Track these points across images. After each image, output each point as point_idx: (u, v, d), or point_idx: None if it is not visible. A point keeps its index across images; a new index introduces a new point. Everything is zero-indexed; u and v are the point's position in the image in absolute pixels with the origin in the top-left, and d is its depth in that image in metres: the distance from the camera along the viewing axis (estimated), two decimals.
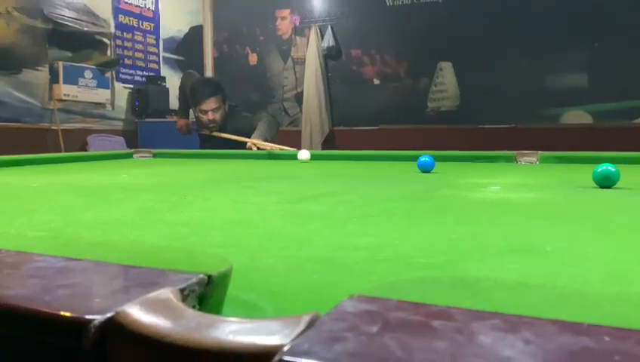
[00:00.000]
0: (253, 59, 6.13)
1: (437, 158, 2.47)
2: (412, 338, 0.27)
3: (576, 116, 4.85)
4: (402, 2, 5.46)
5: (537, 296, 0.34)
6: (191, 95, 3.33)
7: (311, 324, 0.29)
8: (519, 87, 5.01)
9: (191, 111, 3.53)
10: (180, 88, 3.70)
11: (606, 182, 1.28)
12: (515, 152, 2.40)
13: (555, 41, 4.85)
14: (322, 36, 5.67)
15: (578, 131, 4.78)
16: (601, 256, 0.63)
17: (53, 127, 4.85)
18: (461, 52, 5.20)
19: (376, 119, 5.53)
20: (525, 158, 2.37)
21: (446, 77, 5.32)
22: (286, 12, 5.95)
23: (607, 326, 0.28)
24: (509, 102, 5.05)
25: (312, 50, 5.66)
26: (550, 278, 0.52)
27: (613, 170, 1.28)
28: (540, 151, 2.37)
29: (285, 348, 0.26)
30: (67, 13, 4.98)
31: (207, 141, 3.35)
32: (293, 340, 0.27)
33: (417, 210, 1.03)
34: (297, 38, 5.90)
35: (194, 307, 0.37)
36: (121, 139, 5.34)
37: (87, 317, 0.31)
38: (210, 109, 3.23)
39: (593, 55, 4.75)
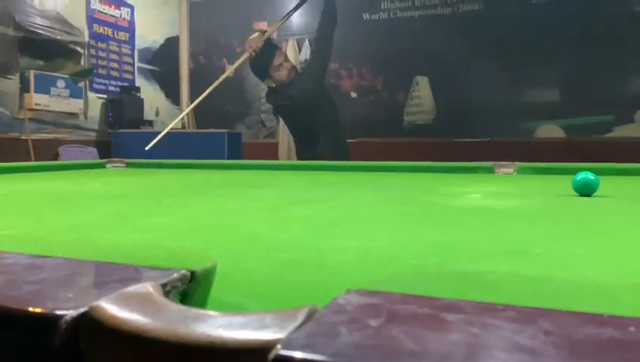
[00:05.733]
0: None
1: (414, 169, 2.48)
2: (422, 330, 0.25)
3: (549, 130, 4.93)
4: (379, 17, 5.52)
5: (547, 287, 0.32)
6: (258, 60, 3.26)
7: (309, 317, 0.27)
8: (494, 101, 5.09)
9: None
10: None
11: (586, 190, 1.29)
12: (492, 163, 2.42)
13: (529, 57, 4.95)
14: (300, 49, 5.67)
15: (552, 145, 4.86)
16: (592, 257, 0.62)
17: (23, 137, 4.72)
18: (437, 67, 5.27)
19: (353, 132, 5.53)
20: (503, 169, 2.39)
21: (422, 91, 5.37)
22: (263, 24, 5.94)
23: (629, 317, 0.26)
24: (484, 117, 5.12)
25: None
26: (547, 274, 0.50)
27: (592, 178, 1.29)
28: (517, 163, 2.39)
29: (282, 342, 0.24)
30: (40, 21, 4.88)
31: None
32: (290, 333, 0.25)
33: (403, 214, 1.01)
34: None
35: None
36: (94, 150, 5.22)
37: (58, 312, 0.28)
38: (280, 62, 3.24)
39: (566, 70, 4.85)
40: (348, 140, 3.74)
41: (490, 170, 2.35)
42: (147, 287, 0.31)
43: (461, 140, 5.17)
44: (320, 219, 0.92)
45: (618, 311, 0.27)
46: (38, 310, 0.28)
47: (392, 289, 0.32)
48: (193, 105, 3.35)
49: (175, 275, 0.35)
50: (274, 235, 0.75)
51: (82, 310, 0.28)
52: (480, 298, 0.30)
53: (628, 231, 0.81)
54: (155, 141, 3.25)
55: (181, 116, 3.59)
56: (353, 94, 5.60)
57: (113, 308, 0.28)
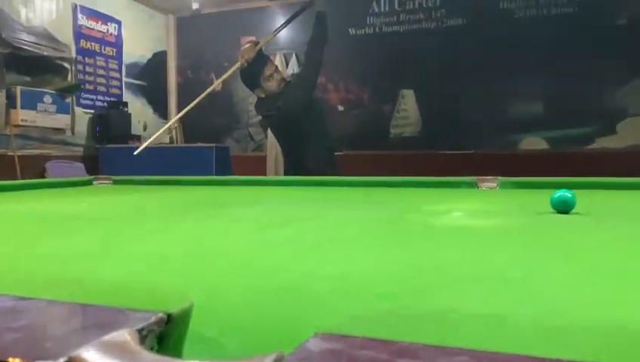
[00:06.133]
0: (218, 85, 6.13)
1: (398, 184, 2.50)
2: None
3: (533, 142, 5.01)
4: (365, 31, 5.58)
5: (508, 328, 0.35)
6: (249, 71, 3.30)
7: None
8: (478, 114, 5.16)
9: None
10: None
11: (563, 208, 1.32)
12: (475, 178, 2.45)
13: (512, 70, 5.03)
14: (287, 64, 5.72)
15: (535, 157, 4.93)
16: (565, 282, 0.64)
17: (9, 153, 4.70)
18: (422, 80, 5.34)
19: (340, 145, 5.58)
20: (486, 184, 2.42)
21: (408, 104, 5.44)
22: (251, 39, 5.98)
23: None
24: (469, 129, 5.18)
25: None
26: (517, 306, 0.52)
27: (569, 195, 1.32)
28: (499, 177, 2.43)
29: None
30: (26, 37, 4.88)
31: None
32: None
33: (383, 236, 1.03)
34: None
35: (152, 348, 0.35)
36: (81, 165, 5.21)
37: None
38: (270, 73, 3.27)
39: (549, 83, 4.94)
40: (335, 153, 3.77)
41: (473, 185, 2.39)
42: (124, 335, 0.33)
43: (446, 152, 5.22)
44: (302, 242, 0.94)
45: (575, 355, 0.29)
46: (19, 361, 0.30)
47: (358, 331, 0.34)
48: (185, 110, 3.39)
49: (152, 319, 0.37)
50: (254, 262, 0.76)
51: (62, 360, 0.30)
52: (438, 340, 0.32)
53: (594, 254, 0.83)
54: (144, 146, 3.31)
55: (173, 120, 3.63)
56: (340, 108, 5.65)
57: (92, 358, 0.30)
